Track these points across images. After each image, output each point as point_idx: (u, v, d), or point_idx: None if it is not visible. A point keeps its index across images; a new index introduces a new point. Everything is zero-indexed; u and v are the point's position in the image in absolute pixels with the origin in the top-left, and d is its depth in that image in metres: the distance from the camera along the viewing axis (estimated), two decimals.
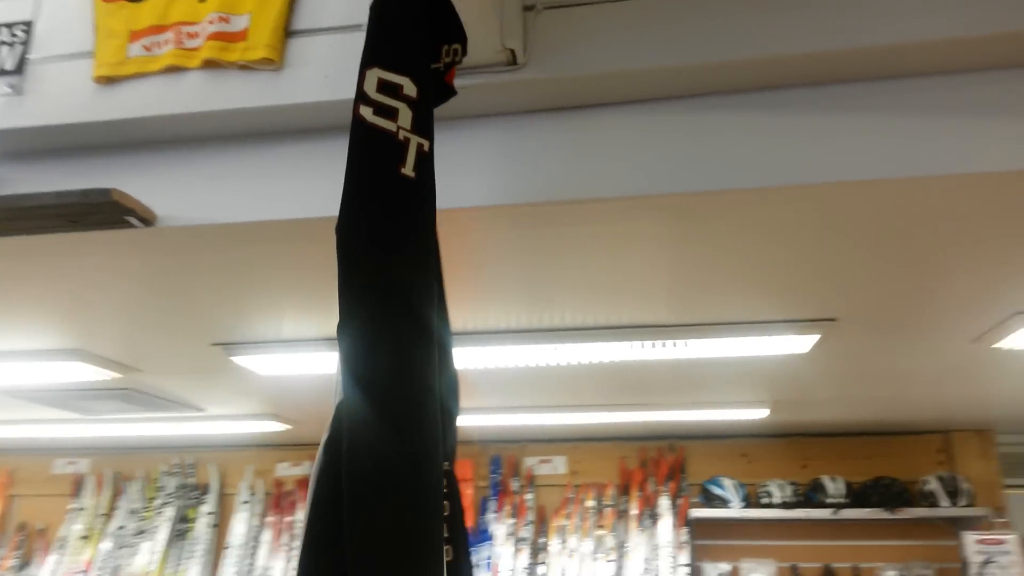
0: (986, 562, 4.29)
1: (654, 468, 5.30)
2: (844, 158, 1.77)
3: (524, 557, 5.18)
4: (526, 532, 5.27)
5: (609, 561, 5.00)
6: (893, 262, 2.38)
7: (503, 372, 3.59)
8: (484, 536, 5.29)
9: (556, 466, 5.50)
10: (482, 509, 5.43)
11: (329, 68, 1.91)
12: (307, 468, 5.84)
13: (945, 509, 4.68)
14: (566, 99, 1.88)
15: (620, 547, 5.08)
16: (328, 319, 3.01)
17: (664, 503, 5.10)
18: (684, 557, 4.91)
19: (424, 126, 0.96)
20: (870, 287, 2.63)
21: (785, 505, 4.81)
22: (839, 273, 2.50)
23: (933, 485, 4.76)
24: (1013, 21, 1.67)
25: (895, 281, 2.57)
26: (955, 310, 2.85)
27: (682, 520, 5.01)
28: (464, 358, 3.23)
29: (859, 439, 5.17)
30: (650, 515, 5.11)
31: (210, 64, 1.94)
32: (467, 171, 1.89)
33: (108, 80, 2.01)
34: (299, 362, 3.33)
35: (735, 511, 4.81)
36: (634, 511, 5.15)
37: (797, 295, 2.69)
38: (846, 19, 1.73)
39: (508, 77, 1.80)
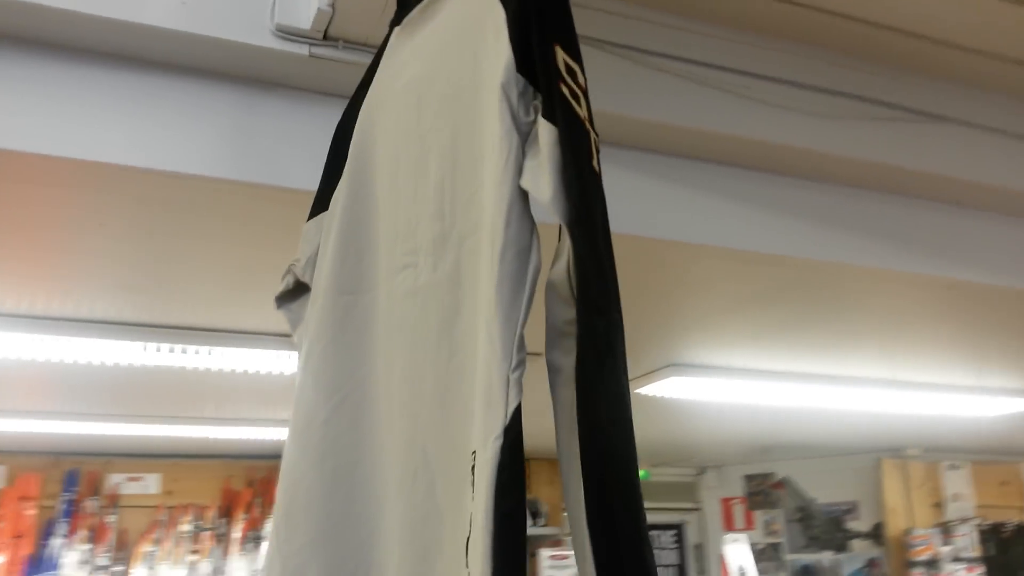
0: None
1: (263, 488, 5.04)
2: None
3: None
4: (105, 559, 4.59)
5: None
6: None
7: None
8: (50, 564, 4.47)
9: (147, 485, 4.91)
10: (46, 533, 4.59)
11: None
12: None
13: (528, 528, 5.30)
14: None
15: (216, 574, 4.72)
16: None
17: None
18: None
19: (592, 119, 0.92)
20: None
21: None
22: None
23: None
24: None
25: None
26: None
27: None
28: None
29: None
30: (255, 538, 4.85)
31: None
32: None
33: None
34: None
35: None
36: (237, 535, 4.84)
37: None
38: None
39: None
